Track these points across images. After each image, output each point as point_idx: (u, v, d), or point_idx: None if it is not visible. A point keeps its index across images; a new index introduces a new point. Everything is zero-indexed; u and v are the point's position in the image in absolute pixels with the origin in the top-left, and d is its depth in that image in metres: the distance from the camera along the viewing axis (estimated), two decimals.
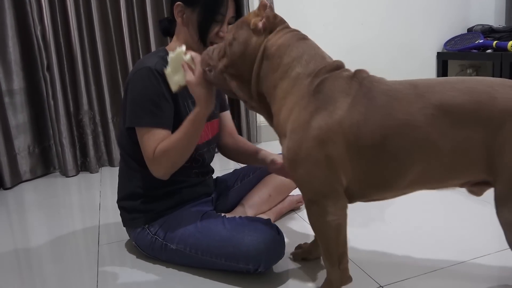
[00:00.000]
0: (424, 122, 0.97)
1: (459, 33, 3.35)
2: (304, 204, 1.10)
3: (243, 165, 1.78)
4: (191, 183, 1.48)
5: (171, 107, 1.33)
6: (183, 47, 1.22)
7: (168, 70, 1.25)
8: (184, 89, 1.29)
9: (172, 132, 1.31)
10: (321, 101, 1.02)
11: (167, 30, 1.47)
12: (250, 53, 1.12)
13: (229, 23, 1.34)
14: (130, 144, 1.40)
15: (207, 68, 1.19)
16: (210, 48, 1.21)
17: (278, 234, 1.29)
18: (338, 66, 1.09)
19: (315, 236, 1.36)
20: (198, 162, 1.47)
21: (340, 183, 1.04)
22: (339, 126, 1.00)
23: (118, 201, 1.50)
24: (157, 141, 1.28)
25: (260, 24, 1.11)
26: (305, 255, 1.39)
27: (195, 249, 1.33)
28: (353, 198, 1.10)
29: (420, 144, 0.98)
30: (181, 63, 1.21)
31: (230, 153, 1.64)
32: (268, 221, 1.32)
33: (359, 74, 1.06)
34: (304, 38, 1.14)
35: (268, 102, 1.15)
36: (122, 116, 1.40)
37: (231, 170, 1.80)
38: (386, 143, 0.99)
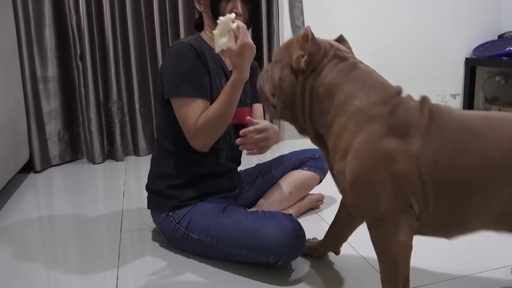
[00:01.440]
0: (502, 158, 0.92)
1: (489, 40, 3.31)
2: (369, 227, 1.03)
3: (265, 160, 1.81)
4: (217, 172, 1.51)
5: (207, 79, 1.40)
6: (233, 15, 1.29)
7: (216, 32, 1.32)
8: (217, 68, 1.42)
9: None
10: (394, 129, 0.95)
11: (198, 25, 1.56)
12: (299, 95, 1.07)
13: (243, 2, 1.43)
14: (166, 124, 1.47)
15: (269, 103, 1.18)
16: (262, 75, 1.20)
17: (300, 229, 1.32)
18: (400, 92, 1.03)
19: (327, 237, 1.35)
20: (226, 141, 1.51)
21: (410, 205, 0.97)
22: (414, 159, 0.94)
23: (147, 184, 1.55)
24: (197, 113, 1.35)
25: (302, 63, 1.05)
26: (309, 251, 1.41)
27: (216, 239, 1.36)
28: (418, 231, 1.03)
29: (499, 179, 0.92)
30: (228, 29, 1.29)
31: None
32: (290, 216, 1.35)
33: (427, 103, 1.00)
34: (354, 68, 1.05)
35: (325, 140, 1.10)
36: (160, 95, 1.48)
37: (253, 165, 1.83)
38: (462, 179, 0.93)
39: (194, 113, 1.35)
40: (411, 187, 0.95)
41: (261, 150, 1.46)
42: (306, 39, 1.04)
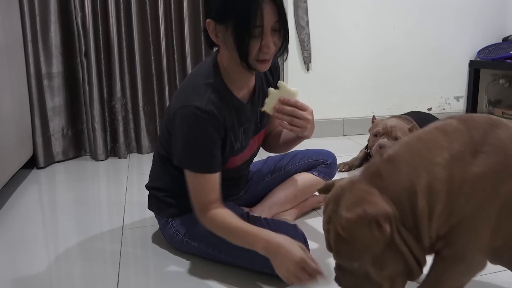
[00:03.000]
0: None
1: (494, 42, 3.30)
2: (447, 265, 0.96)
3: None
4: (222, 187, 1.43)
5: (220, 149, 1.30)
6: (297, 91, 1.27)
7: (271, 94, 1.29)
8: (235, 118, 1.32)
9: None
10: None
11: (213, 44, 1.28)
12: (401, 244, 0.92)
13: (273, 30, 1.18)
14: (167, 153, 1.40)
15: None
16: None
17: (305, 242, 1.29)
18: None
19: None
20: (232, 176, 1.48)
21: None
22: None
23: (148, 187, 1.53)
24: (206, 190, 1.26)
25: (387, 229, 0.88)
26: None
27: (218, 250, 1.33)
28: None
29: None
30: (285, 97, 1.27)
31: (272, 147, 1.62)
32: (295, 228, 1.32)
33: None
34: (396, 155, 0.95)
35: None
36: (164, 129, 1.38)
37: (264, 158, 1.78)
38: None
39: (203, 190, 1.26)
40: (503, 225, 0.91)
41: (297, 128, 1.30)
42: (358, 218, 0.88)
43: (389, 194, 0.91)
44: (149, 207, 1.53)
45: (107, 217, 1.80)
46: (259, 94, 1.41)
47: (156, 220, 1.53)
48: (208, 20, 1.21)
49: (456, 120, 0.96)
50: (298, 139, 1.48)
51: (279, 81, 1.29)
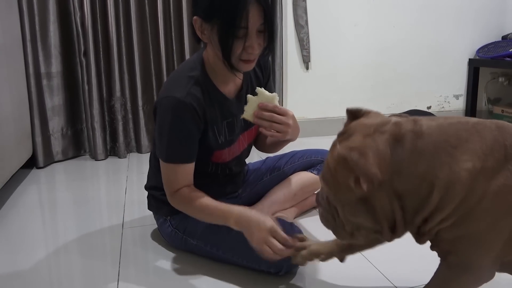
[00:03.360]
0: None
1: (493, 40, 3.30)
2: (450, 270, 0.97)
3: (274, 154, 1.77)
4: (219, 183, 1.49)
5: (197, 141, 1.32)
6: (276, 96, 1.27)
7: (250, 100, 1.29)
8: (221, 110, 1.33)
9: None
10: None
11: (198, 39, 1.30)
12: (389, 211, 0.92)
13: (259, 31, 1.20)
14: None
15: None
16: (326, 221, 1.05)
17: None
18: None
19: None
20: (225, 172, 1.48)
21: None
22: None
23: (147, 188, 1.54)
24: (178, 178, 1.30)
25: (365, 187, 0.87)
26: (311, 258, 1.23)
27: (216, 248, 1.34)
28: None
29: None
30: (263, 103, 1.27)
31: (262, 146, 1.63)
32: (291, 225, 1.33)
33: None
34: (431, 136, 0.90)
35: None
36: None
37: (262, 159, 1.79)
38: None
39: (174, 176, 1.30)
40: None
41: (279, 133, 1.31)
42: (344, 160, 0.87)
43: (402, 167, 0.88)
44: (149, 208, 1.54)
45: (107, 216, 1.80)
46: (246, 90, 1.42)
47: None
48: (195, 17, 1.23)
49: (496, 128, 0.91)
50: (284, 141, 1.49)
51: (257, 88, 1.30)
